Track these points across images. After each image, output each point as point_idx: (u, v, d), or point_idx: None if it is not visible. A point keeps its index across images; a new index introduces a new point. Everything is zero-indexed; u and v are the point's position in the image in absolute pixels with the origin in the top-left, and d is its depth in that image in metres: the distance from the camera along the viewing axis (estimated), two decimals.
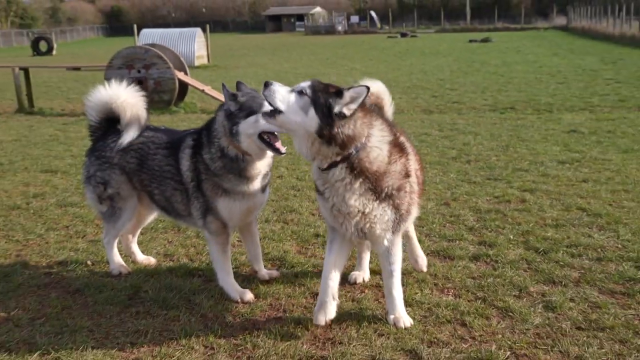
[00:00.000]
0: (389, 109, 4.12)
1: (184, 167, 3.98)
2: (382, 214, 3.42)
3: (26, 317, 3.82)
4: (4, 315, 3.86)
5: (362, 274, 4.29)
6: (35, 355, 3.34)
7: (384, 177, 3.37)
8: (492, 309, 3.78)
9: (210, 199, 3.91)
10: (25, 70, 14.28)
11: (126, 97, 4.24)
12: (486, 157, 7.85)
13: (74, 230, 5.56)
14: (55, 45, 43.43)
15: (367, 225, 3.45)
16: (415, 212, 3.75)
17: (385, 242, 3.54)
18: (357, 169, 3.31)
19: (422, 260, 4.38)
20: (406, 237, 4.24)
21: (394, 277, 3.63)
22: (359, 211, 3.40)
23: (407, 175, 3.49)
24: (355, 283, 4.23)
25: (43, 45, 42.47)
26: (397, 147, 3.46)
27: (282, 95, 3.24)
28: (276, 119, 3.29)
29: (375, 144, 3.34)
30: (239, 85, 3.82)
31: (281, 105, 3.24)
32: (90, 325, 3.68)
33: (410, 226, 4.17)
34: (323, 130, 3.20)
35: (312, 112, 3.21)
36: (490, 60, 23.71)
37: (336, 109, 3.20)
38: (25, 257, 4.89)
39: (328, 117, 3.20)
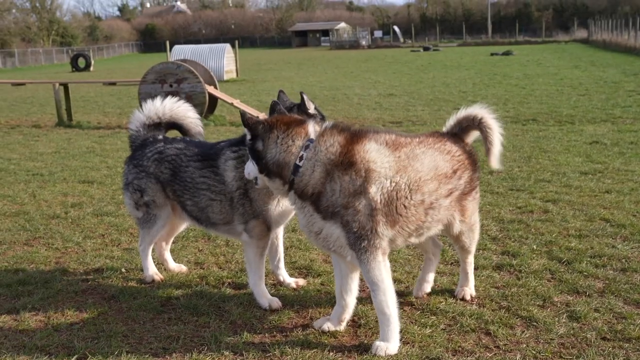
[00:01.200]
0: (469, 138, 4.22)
1: (228, 177, 4.07)
2: (330, 232, 3.43)
3: (65, 322, 3.93)
4: (45, 320, 3.98)
5: None
6: (73, 358, 3.43)
7: (322, 197, 3.38)
8: (516, 318, 3.78)
9: (262, 203, 4.01)
10: (65, 86, 14.72)
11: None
12: (509, 168, 7.84)
13: (110, 238, 5.70)
14: (92, 62, 44.72)
15: (322, 243, 3.53)
16: (386, 232, 3.42)
17: (349, 258, 3.48)
18: (301, 194, 3.44)
19: (461, 290, 4.17)
20: (463, 262, 4.16)
21: (375, 298, 3.45)
22: (310, 231, 3.52)
23: (359, 192, 3.34)
24: None
25: (81, 62, 43.63)
26: (342, 164, 3.36)
27: (251, 168, 3.61)
28: (260, 186, 3.69)
29: (307, 165, 3.40)
30: (280, 94, 3.96)
31: (252, 176, 3.63)
32: (125, 331, 3.77)
33: (469, 256, 4.12)
34: (260, 166, 3.48)
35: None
36: (511, 72, 23.61)
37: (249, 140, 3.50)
38: (64, 264, 5.03)
39: (254, 153, 3.49)
